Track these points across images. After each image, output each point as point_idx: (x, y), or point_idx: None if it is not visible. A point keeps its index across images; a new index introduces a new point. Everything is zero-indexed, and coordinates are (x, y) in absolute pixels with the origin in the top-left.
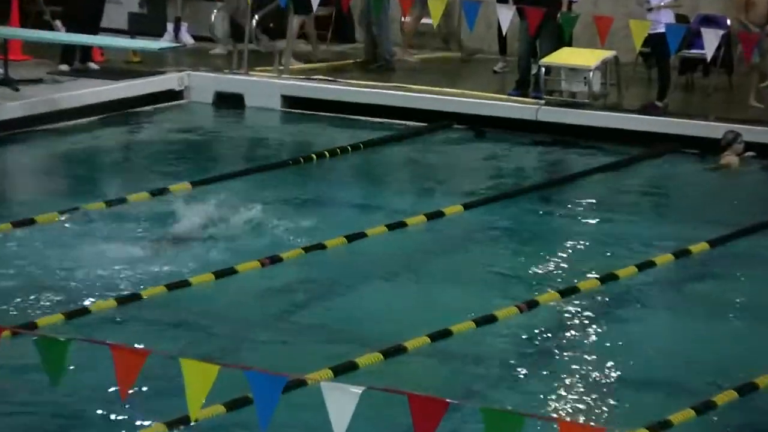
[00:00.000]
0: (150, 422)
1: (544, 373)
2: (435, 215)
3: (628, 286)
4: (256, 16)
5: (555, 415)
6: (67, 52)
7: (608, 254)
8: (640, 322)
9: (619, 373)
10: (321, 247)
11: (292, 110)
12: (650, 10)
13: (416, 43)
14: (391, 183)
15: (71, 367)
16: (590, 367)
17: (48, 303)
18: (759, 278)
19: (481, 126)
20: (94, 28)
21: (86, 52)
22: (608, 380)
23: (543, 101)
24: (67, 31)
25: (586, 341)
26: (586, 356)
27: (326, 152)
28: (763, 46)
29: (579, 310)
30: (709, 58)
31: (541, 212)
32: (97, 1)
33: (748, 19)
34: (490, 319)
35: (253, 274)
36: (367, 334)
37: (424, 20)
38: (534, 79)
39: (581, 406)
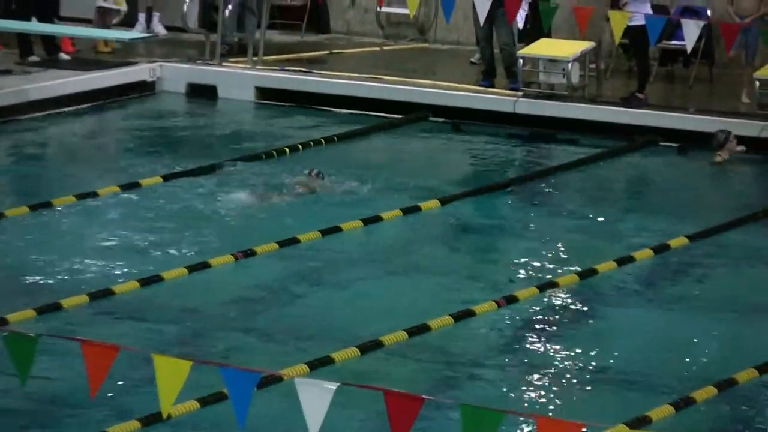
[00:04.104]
0: (122, 419)
1: (523, 368)
2: (411, 210)
3: (607, 281)
4: (230, 6)
5: (533, 411)
6: (23, 45)
7: (587, 249)
8: (619, 318)
9: (598, 369)
10: (295, 241)
11: (267, 102)
12: (625, 4)
13: (392, 33)
14: (366, 176)
15: (41, 363)
16: (569, 363)
17: (18, 298)
18: (737, 273)
19: (457, 118)
20: (51, 15)
21: (51, 42)
22: (587, 376)
23: (521, 93)
24: (17, 18)
25: (564, 337)
26: (564, 352)
27: (300, 145)
28: (749, 37)
29: (557, 305)
30: (689, 50)
31: (519, 206)
32: None
33: (734, 10)
34: (468, 314)
35: (227, 269)
36: (343, 329)
37: (401, 10)
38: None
39: (560, 402)
